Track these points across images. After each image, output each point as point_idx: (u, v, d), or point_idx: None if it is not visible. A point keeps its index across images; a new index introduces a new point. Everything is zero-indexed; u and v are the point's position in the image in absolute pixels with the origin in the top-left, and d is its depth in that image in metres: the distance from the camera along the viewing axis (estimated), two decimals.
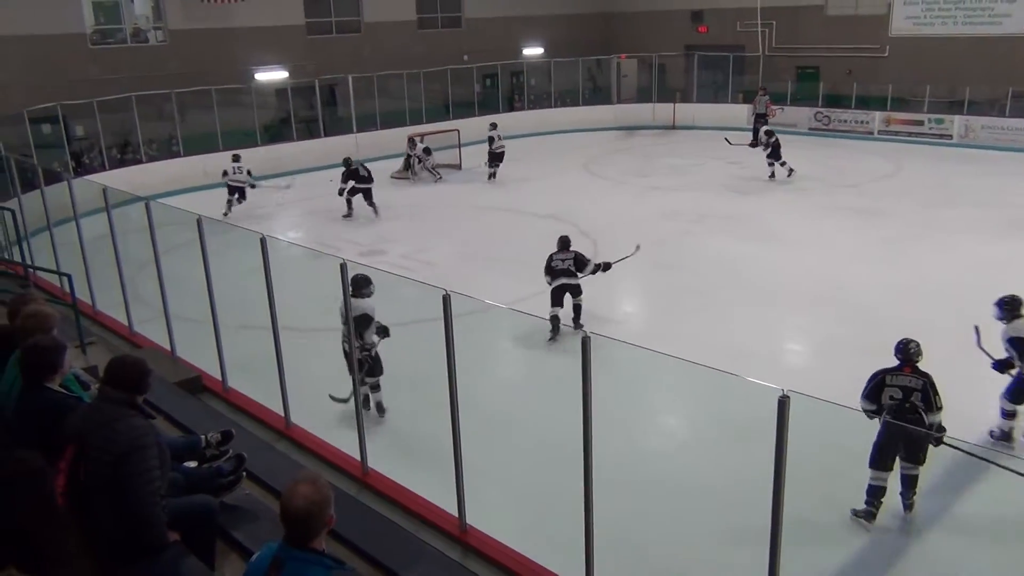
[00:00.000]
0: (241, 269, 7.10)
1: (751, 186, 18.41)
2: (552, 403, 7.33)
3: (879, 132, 23.93)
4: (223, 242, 9.16)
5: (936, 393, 6.09)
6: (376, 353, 7.83)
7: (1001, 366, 7.39)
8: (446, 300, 4.88)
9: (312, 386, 7.83)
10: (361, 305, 7.49)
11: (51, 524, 3.08)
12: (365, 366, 7.64)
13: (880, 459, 6.16)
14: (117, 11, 20.57)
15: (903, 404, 6.05)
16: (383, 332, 7.81)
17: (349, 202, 16.58)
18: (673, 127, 26.86)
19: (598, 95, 28.32)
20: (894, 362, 6.30)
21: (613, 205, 16.95)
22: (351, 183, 16.42)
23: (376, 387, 8.02)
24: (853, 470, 6.40)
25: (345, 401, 7.64)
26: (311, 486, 2.81)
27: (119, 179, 16.94)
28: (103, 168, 18.35)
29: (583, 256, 10.20)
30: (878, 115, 24.00)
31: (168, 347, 8.02)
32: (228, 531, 4.37)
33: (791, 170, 18.58)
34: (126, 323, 8.81)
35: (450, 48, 26.29)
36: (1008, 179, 18.27)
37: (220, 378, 7.38)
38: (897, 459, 6.15)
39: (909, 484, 6.20)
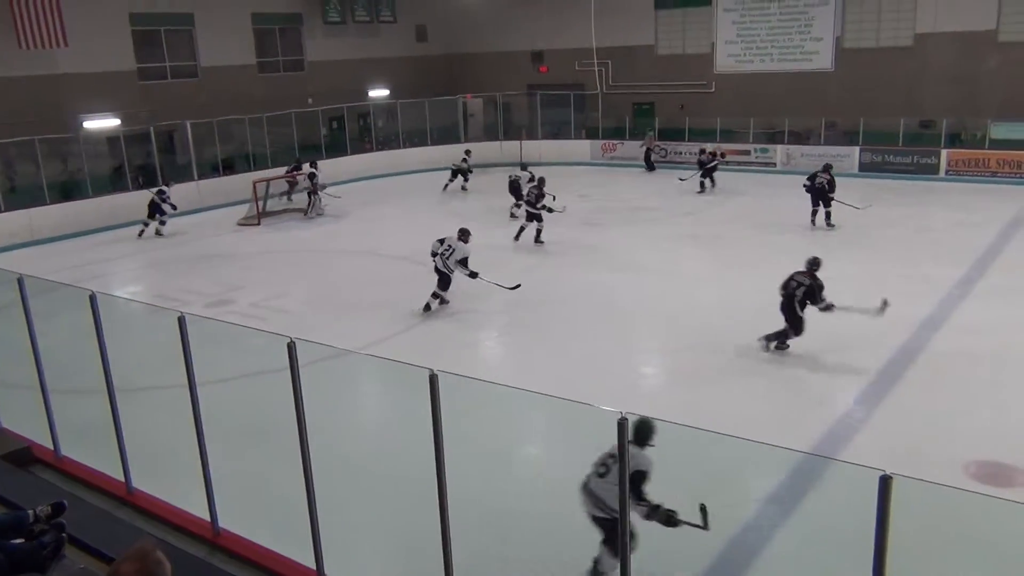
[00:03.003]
0: (74, 330, 6.69)
1: (600, 218, 19.10)
2: (407, 444, 7.26)
3: None
4: (50, 301, 8.61)
5: (821, 292, 10.01)
6: None
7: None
8: (291, 348, 4.80)
9: (155, 448, 7.41)
10: None
11: None
12: None
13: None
14: None
15: (796, 289, 10.12)
16: None
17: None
18: (521, 163, 27.49)
19: (445, 134, 28.64)
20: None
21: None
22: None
23: None
24: (712, 486, 6.67)
25: None
26: (136, 564, 2.62)
27: None
28: None
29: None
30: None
31: None
32: None
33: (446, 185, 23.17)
34: None
35: (294, 91, 25.94)
36: None
37: (52, 447, 6.89)
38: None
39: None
